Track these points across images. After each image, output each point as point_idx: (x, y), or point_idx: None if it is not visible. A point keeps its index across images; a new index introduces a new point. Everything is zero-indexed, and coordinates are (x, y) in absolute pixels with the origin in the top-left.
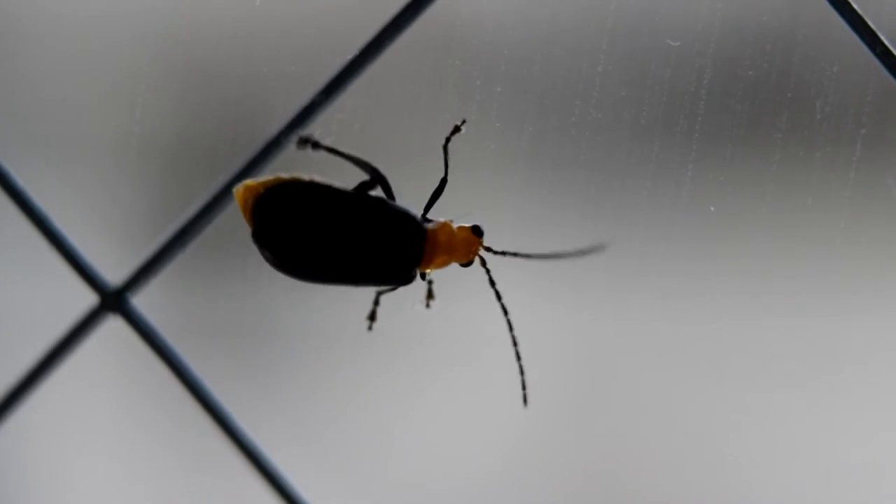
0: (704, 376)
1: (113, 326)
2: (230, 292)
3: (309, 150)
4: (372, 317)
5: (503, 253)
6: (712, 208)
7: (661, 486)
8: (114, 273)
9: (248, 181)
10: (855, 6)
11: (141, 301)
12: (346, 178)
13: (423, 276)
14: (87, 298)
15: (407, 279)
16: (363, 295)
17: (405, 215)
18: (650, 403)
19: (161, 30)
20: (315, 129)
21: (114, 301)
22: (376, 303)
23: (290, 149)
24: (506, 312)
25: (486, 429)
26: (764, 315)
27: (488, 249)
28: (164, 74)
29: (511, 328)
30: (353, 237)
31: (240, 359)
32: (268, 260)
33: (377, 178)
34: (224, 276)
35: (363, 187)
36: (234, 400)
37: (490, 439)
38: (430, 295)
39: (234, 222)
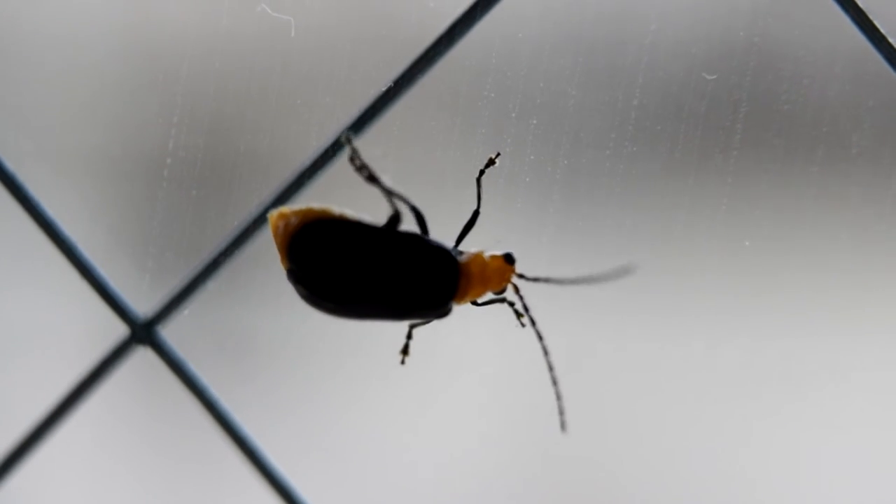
0: (730, 406)
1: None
2: (252, 314)
3: (351, 167)
4: (405, 351)
5: (536, 279)
6: (747, 243)
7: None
8: (139, 296)
9: (283, 208)
10: (892, 41)
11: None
12: (372, 205)
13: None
14: (110, 319)
15: (442, 313)
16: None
17: (439, 250)
18: (668, 426)
19: (195, 61)
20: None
21: (144, 333)
22: (409, 336)
23: (321, 180)
24: (540, 338)
25: (490, 442)
26: (802, 347)
27: (521, 276)
28: (196, 102)
29: (546, 353)
30: (388, 273)
31: (261, 382)
32: (303, 297)
33: (414, 212)
34: (246, 298)
35: (393, 222)
36: (256, 422)
37: (490, 451)
38: (519, 315)
39: (260, 249)
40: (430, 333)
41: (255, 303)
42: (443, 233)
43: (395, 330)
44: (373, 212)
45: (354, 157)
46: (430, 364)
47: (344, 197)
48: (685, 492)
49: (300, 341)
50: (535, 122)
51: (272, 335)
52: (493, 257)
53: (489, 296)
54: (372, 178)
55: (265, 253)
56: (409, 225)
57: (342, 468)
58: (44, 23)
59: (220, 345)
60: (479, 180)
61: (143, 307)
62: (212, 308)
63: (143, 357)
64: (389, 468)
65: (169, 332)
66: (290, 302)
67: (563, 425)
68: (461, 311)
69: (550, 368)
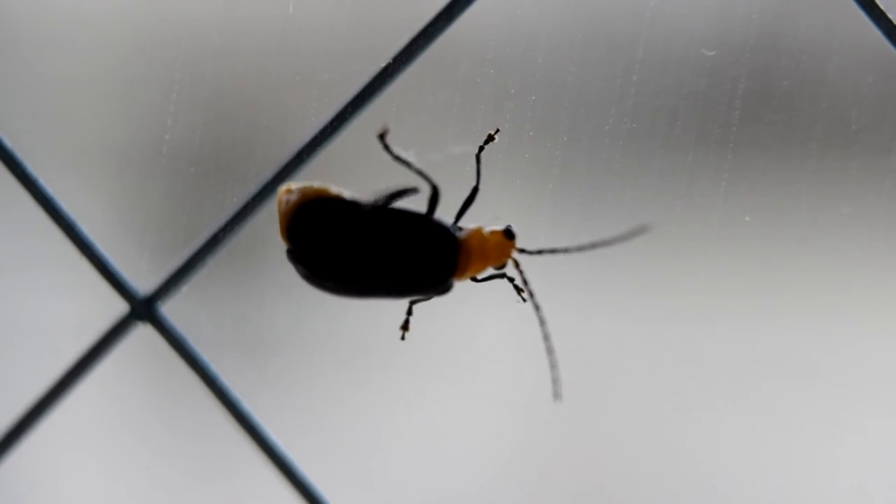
0: (724, 385)
1: (135, 331)
2: (252, 295)
3: (379, 146)
4: (405, 326)
5: (539, 252)
6: (747, 218)
7: (661, 495)
8: (138, 276)
9: (290, 184)
10: (891, 17)
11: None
12: (372, 183)
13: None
14: (109, 302)
15: (443, 289)
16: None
17: (438, 226)
18: (664, 411)
19: (193, 38)
20: (346, 137)
21: (144, 309)
22: (409, 313)
23: (320, 158)
24: (538, 309)
25: (495, 433)
26: (800, 324)
27: (521, 251)
28: (195, 81)
29: (543, 323)
30: (387, 251)
31: (261, 362)
32: (303, 276)
33: (433, 191)
34: (245, 279)
35: (391, 199)
36: (257, 403)
37: (497, 443)
38: (519, 290)
39: (259, 228)
40: (433, 319)
41: (255, 280)
42: (442, 209)
43: (395, 307)
44: (372, 189)
45: (386, 145)
46: (431, 345)
47: (344, 173)
48: (689, 479)
49: (299, 318)
50: (534, 98)
51: (272, 312)
52: (493, 232)
53: (490, 272)
54: (400, 159)
55: (264, 230)
56: (421, 201)
57: (342, 443)
58: (41, 4)
59: (220, 322)
60: (478, 157)
61: (143, 286)
62: (211, 286)
63: (142, 334)
64: (388, 444)
65: (168, 310)
66: (289, 279)
67: (556, 395)
68: (462, 290)
69: (546, 338)
